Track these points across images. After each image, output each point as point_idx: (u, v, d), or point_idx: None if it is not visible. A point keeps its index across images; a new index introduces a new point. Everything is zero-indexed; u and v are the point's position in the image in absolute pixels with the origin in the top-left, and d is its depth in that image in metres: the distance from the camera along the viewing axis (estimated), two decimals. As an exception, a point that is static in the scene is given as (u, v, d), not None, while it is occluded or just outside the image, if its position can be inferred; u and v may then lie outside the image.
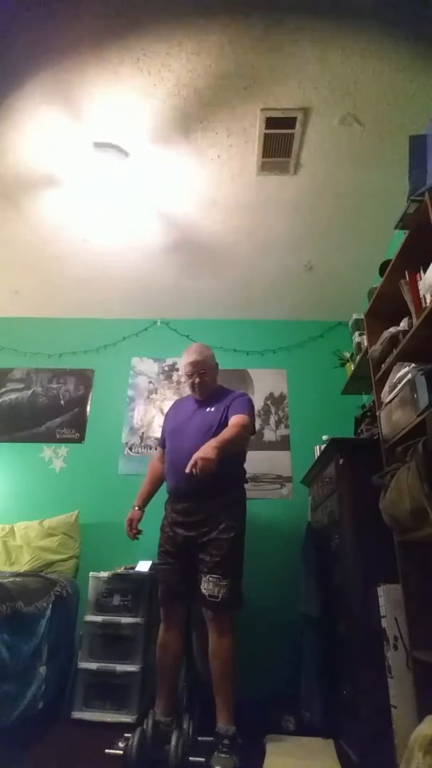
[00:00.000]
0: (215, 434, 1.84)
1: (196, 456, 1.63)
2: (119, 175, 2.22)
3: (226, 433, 1.80)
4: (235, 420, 1.89)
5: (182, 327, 3.45)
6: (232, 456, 1.86)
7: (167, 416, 2.26)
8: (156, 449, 2.53)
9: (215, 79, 1.84)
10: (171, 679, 1.83)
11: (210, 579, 1.75)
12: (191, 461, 1.63)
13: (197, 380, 2.06)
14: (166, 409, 3.19)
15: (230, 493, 1.92)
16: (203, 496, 1.83)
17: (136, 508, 2.09)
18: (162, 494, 2.09)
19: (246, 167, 2.23)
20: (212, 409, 2.02)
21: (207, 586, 1.75)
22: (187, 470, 1.64)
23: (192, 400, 2.16)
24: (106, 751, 1.61)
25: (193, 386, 2.08)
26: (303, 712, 1.95)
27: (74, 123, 2.00)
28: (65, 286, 3.18)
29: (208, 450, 1.65)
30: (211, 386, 2.11)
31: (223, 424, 1.93)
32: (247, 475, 2.08)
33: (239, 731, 1.64)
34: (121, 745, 1.63)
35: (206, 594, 1.74)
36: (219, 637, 1.74)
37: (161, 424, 2.38)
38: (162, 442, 2.20)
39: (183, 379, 2.23)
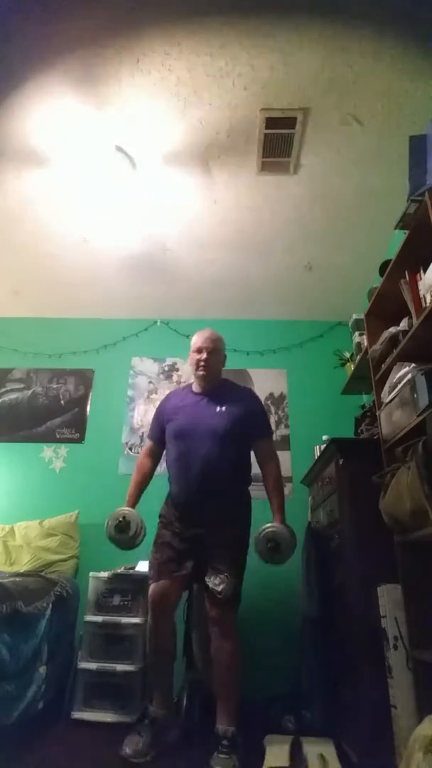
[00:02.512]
0: (229, 440, 1.84)
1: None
2: (121, 176, 2.22)
3: (280, 495, 1.92)
4: (273, 468, 1.95)
5: (182, 327, 3.45)
6: (243, 479, 1.98)
7: (164, 409, 2.05)
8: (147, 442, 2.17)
9: (215, 79, 1.84)
10: (167, 673, 1.79)
11: (218, 575, 1.72)
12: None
13: (204, 356, 1.95)
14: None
15: (240, 506, 1.94)
16: (214, 521, 1.81)
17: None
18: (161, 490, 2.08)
19: (246, 167, 2.23)
20: (222, 409, 1.89)
21: (214, 580, 1.71)
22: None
23: (189, 392, 2.02)
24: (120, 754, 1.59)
25: (197, 364, 1.96)
26: (303, 712, 1.95)
27: (77, 123, 2.01)
28: (65, 286, 3.18)
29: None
30: (215, 370, 2.00)
31: (237, 434, 1.87)
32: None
33: (239, 731, 1.64)
34: (123, 749, 1.62)
35: (212, 587, 1.70)
36: (222, 641, 1.71)
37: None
38: (155, 436, 2.06)
39: (189, 362, 2.07)
